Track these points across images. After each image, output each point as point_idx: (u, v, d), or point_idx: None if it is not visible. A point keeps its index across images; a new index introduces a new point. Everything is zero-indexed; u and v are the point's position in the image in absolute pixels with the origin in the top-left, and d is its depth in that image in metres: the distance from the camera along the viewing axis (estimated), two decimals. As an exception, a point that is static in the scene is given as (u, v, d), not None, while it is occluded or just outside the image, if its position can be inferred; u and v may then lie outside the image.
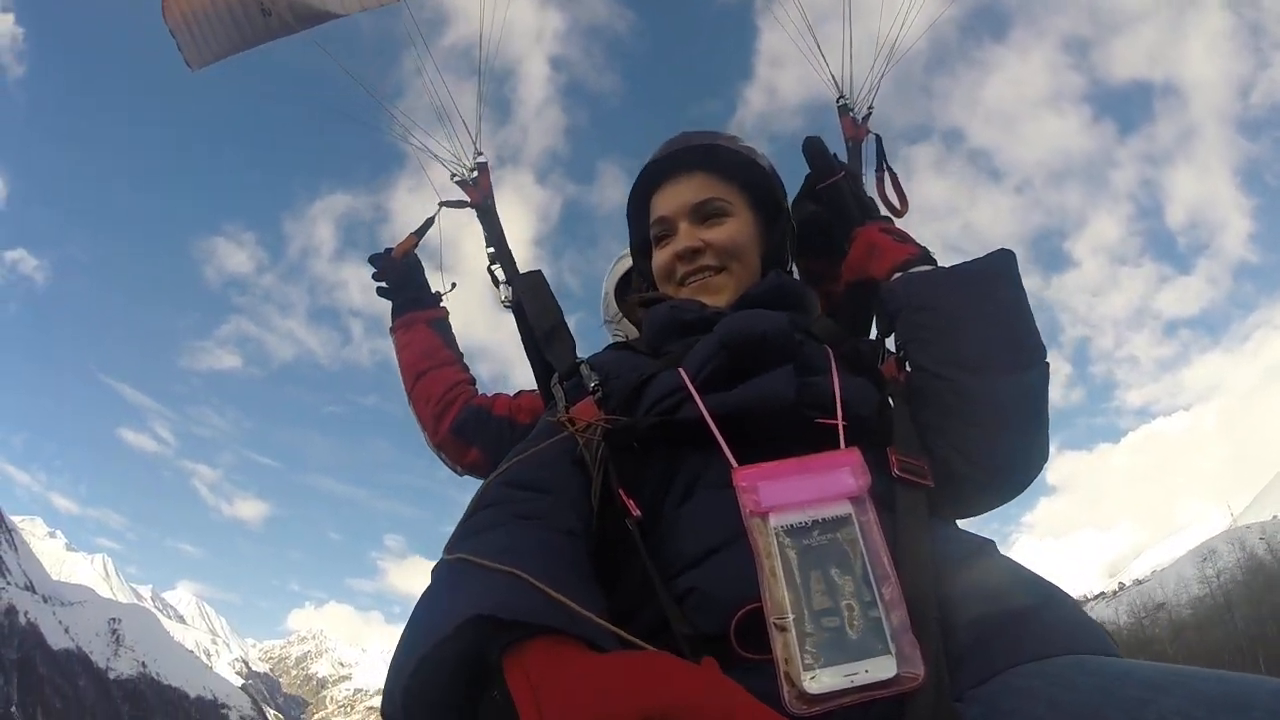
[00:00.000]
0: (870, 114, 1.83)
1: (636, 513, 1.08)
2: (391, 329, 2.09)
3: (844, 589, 0.91)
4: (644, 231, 1.57)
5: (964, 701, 0.89)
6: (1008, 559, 1.11)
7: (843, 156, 1.77)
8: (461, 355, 2.09)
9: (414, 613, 0.93)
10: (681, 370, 1.23)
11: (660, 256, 1.51)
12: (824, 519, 0.96)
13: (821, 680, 0.85)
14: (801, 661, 0.86)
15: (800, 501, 0.97)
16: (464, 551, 0.96)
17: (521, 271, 1.80)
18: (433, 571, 1.00)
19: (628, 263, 2.24)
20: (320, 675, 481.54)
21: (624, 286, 2.28)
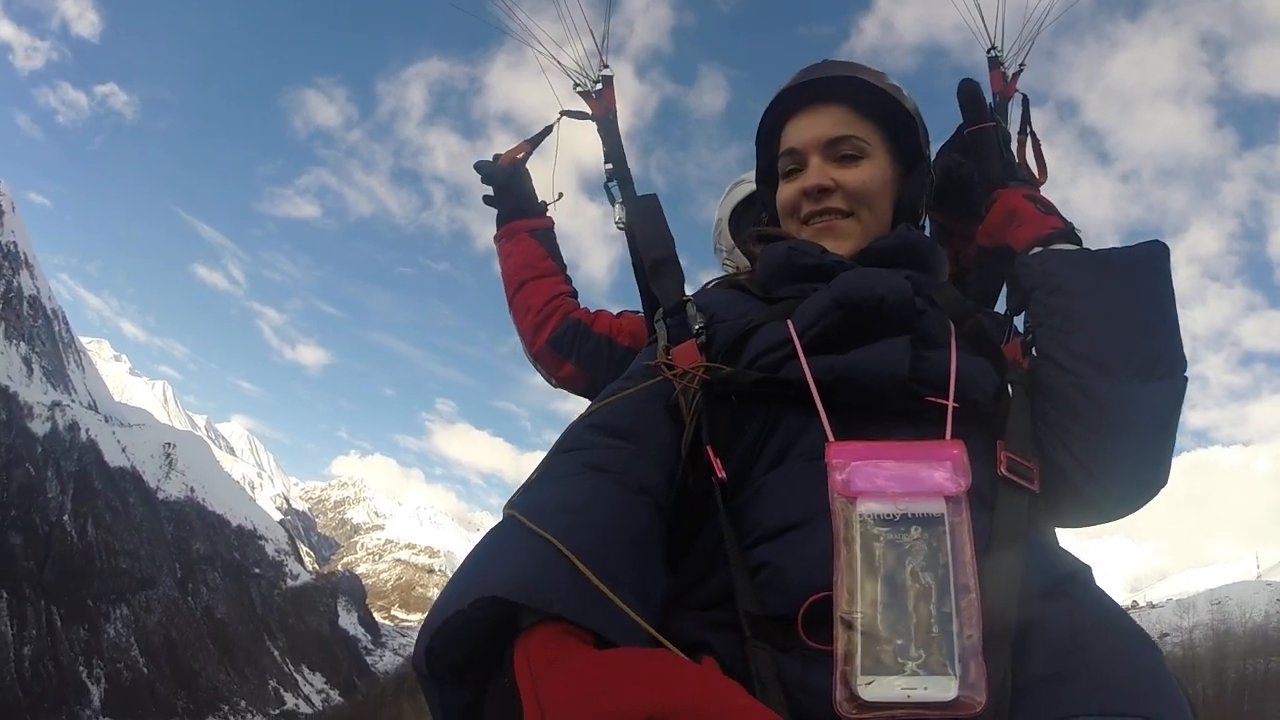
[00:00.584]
0: (1021, 71, 1.70)
1: (721, 474, 1.04)
2: (496, 237, 2.06)
3: (921, 594, 0.86)
4: (771, 159, 1.47)
5: None
6: (1101, 592, 1.03)
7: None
8: (565, 266, 2.05)
9: (463, 564, 0.92)
10: (790, 324, 1.15)
11: (786, 191, 1.40)
12: (914, 514, 0.90)
13: (876, 689, 0.81)
14: (861, 664, 0.82)
15: (893, 491, 0.91)
16: (521, 508, 0.94)
17: (638, 194, 1.70)
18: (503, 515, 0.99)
19: (744, 189, 2.21)
20: (355, 521, 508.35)
21: (739, 214, 2.23)
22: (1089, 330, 1.12)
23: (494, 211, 2.07)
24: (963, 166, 1.56)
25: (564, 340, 1.92)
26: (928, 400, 1.07)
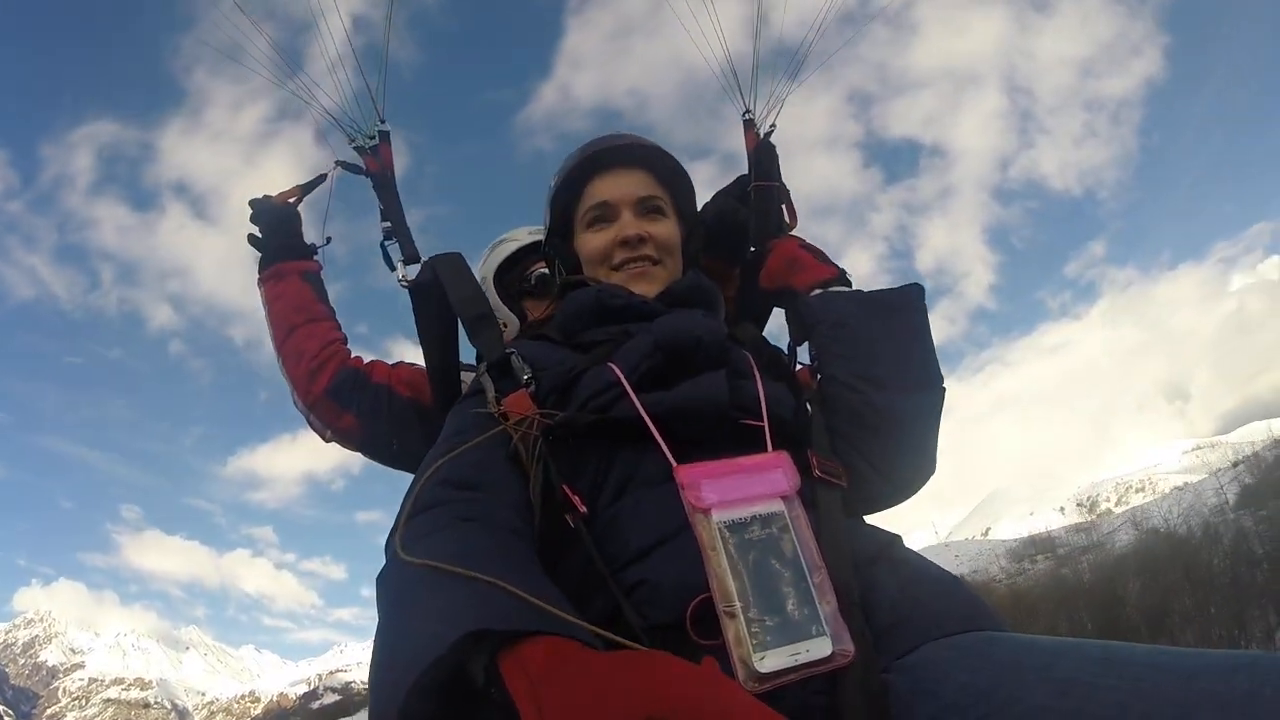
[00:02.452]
0: (773, 131, 1.92)
1: (583, 508, 1.13)
2: (260, 279, 1.97)
3: (782, 578, 1.03)
4: (568, 214, 1.61)
5: (891, 672, 1.03)
6: (914, 552, 1.28)
7: (741, 168, 1.91)
8: (334, 311, 1.99)
9: (389, 625, 0.93)
10: (614, 366, 1.27)
11: (598, 239, 1.54)
12: (760, 515, 1.07)
13: (770, 661, 0.96)
14: (751, 645, 0.97)
15: (738, 499, 1.08)
16: (426, 557, 0.94)
17: (445, 252, 1.67)
18: (390, 579, 1.00)
19: (506, 248, 2.21)
20: (50, 664, 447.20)
21: (502, 273, 2.20)
22: (868, 356, 1.41)
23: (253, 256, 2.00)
24: (739, 211, 1.81)
25: (342, 390, 1.86)
26: (745, 423, 1.25)
